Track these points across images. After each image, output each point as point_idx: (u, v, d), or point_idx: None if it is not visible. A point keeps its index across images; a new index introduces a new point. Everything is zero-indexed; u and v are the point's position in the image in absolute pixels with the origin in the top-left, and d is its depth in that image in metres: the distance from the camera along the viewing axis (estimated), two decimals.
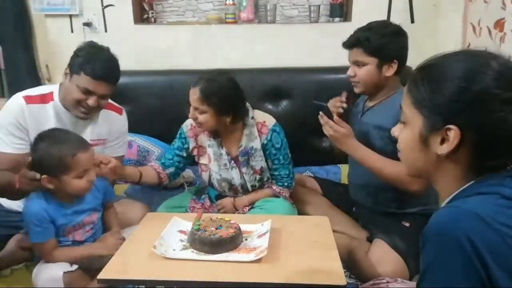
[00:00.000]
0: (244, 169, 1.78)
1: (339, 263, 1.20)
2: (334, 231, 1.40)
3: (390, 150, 1.55)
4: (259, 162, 1.78)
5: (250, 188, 1.82)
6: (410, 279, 1.48)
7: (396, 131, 0.93)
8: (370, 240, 1.65)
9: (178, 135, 1.84)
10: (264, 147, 1.78)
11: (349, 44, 1.64)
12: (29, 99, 1.60)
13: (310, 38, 2.64)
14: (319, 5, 2.72)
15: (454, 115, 0.78)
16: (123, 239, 1.42)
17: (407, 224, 1.62)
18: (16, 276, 1.56)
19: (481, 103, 0.76)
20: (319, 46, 2.62)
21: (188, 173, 2.37)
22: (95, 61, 1.54)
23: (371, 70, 1.62)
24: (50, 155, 1.33)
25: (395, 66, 1.61)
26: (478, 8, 2.16)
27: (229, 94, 1.67)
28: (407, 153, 0.90)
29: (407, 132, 0.88)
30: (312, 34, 2.65)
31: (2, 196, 1.64)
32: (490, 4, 2.04)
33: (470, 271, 0.69)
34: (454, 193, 0.83)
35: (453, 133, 0.78)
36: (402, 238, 1.55)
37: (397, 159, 0.97)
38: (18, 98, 1.61)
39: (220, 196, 1.88)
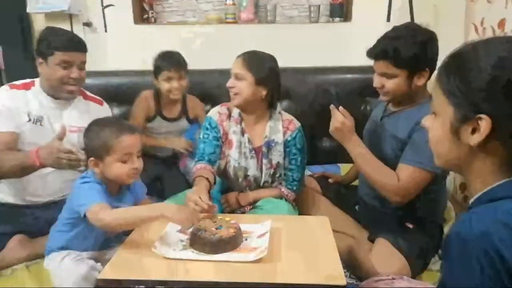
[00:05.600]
0: (264, 161, 1.78)
1: (339, 263, 1.20)
2: (334, 231, 1.40)
3: (397, 162, 1.53)
4: (276, 156, 1.78)
5: (262, 183, 1.81)
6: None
7: (427, 121, 0.90)
8: (371, 239, 1.64)
9: (207, 126, 1.80)
10: (286, 143, 1.78)
11: (375, 55, 1.53)
12: (12, 86, 1.75)
13: (310, 38, 2.64)
14: (319, 5, 2.72)
15: (485, 104, 0.75)
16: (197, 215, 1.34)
17: (411, 226, 1.62)
18: (16, 276, 1.55)
19: None
20: (319, 46, 2.62)
21: None
22: (60, 37, 1.70)
23: (400, 82, 1.50)
24: (97, 136, 1.37)
25: (426, 75, 1.50)
26: (481, 7, 2.16)
27: (270, 66, 1.73)
28: (438, 144, 0.87)
29: (438, 122, 0.85)
30: (312, 34, 2.65)
31: (7, 177, 1.65)
32: (494, 3, 2.04)
33: (496, 284, 0.67)
34: (485, 190, 0.79)
35: (484, 123, 0.75)
36: (405, 239, 1.55)
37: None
38: (3, 87, 1.77)
39: (225, 191, 1.87)
